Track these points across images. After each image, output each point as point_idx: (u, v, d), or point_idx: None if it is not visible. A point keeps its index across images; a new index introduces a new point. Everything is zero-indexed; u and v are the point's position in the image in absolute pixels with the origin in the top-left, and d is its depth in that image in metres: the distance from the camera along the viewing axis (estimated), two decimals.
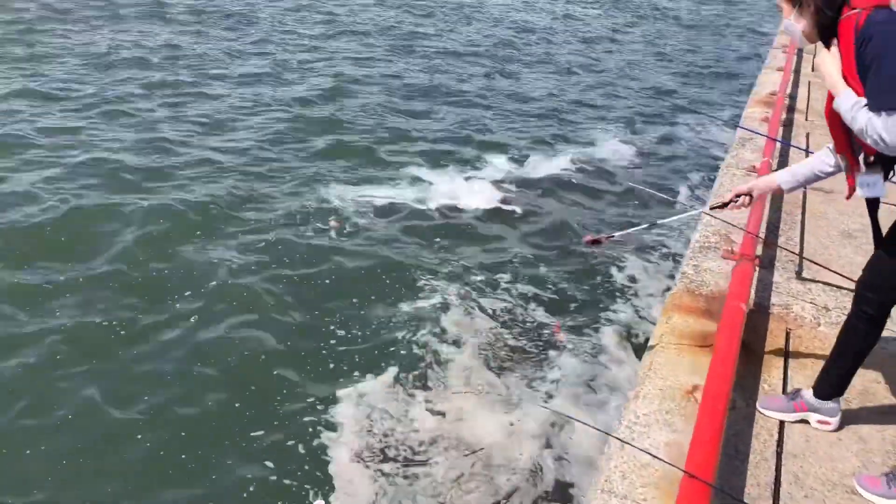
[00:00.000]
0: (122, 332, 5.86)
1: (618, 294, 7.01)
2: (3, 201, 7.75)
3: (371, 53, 16.17)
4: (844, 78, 2.66)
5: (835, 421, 3.24)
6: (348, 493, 4.48)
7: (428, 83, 14.01)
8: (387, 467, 4.67)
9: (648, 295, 7.04)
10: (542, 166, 10.12)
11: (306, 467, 4.69)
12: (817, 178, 3.18)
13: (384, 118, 11.73)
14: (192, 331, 5.94)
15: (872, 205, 2.90)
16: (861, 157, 2.82)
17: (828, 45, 2.78)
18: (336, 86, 13.14)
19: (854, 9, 2.63)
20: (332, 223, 5.76)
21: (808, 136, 7.64)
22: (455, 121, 11.91)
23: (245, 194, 8.45)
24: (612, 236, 3.98)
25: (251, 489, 4.53)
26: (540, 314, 6.55)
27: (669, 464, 2.65)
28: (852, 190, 2.93)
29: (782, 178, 3.26)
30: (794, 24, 2.84)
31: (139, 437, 4.85)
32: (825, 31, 2.76)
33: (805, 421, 3.26)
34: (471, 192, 9.01)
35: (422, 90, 13.54)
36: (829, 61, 2.72)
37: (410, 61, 15.81)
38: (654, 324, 4.21)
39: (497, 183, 9.40)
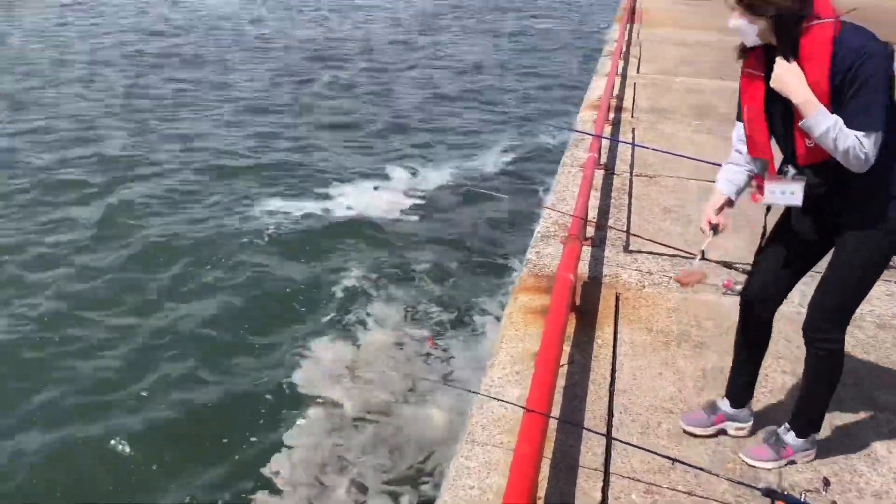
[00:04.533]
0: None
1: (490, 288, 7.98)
2: None
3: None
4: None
5: (748, 426, 3.37)
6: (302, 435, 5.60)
7: (326, 112, 15.48)
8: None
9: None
10: (431, 177, 11.60)
11: (266, 421, 5.90)
12: (749, 178, 3.03)
13: (293, 144, 13.22)
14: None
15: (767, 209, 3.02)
16: (787, 166, 2.82)
17: (790, 53, 2.62)
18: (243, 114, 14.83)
19: (820, 18, 2.56)
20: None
21: (633, 130, 8.55)
22: (351, 144, 13.42)
23: (183, 221, 9.72)
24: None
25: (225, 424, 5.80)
26: (434, 313, 7.40)
27: (513, 403, 3.18)
28: (761, 190, 2.91)
29: (726, 189, 3.06)
30: (749, 24, 2.64)
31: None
32: (787, 36, 2.60)
33: (724, 431, 3.37)
34: (373, 202, 10.38)
35: (321, 119, 14.98)
36: (795, 74, 2.59)
37: (300, 88, 17.32)
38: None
39: (396, 193, 10.76)
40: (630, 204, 6.25)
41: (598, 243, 5.45)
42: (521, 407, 2.94)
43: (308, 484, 5.01)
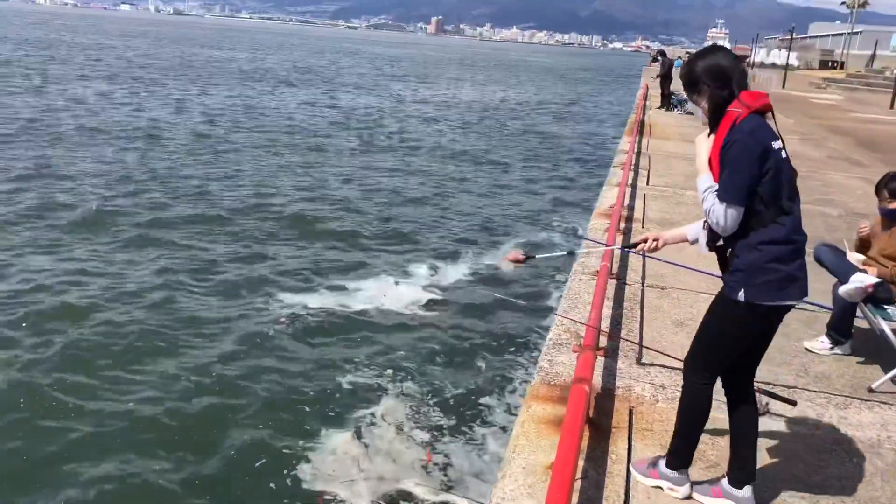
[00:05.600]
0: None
1: (497, 392, 7.92)
2: None
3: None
4: (710, 160, 3.19)
5: (682, 490, 3.68)
6: None
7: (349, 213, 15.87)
8: None
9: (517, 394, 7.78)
10: (450, 274, 11.95)
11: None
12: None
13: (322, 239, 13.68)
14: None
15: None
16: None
17: (713, 128, 3.21)
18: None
19: (740, 106, 3.10)
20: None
21: None
22: (374, 239, 13.85)
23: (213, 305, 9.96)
24: (534, 257, 4.46)
25: None
26: (438, 416, 7.37)
27: None
28: None
29: (688, 230, 3.70)
30: (695, 106, 3.28)
31: None
32: (716, 112, 3.18)
33: (659, 487, 3.73)
34: (393, 297, 10.61)
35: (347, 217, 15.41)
36: (703, 144, 3.27)
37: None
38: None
39: (415, 288, 11.03)
40: (642, 316, 6.25)
41: (611, 354, 5.42)
42: None
43: None
